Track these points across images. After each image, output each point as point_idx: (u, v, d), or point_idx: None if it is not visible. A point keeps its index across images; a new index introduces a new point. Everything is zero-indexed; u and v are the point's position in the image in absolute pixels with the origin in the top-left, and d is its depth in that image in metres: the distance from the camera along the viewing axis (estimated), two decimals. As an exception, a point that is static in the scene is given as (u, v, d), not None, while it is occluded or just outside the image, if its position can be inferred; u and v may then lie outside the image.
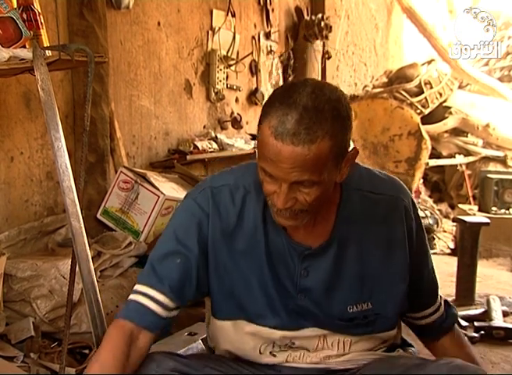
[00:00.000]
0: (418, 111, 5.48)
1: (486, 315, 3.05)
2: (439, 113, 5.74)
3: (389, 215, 1.32)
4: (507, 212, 4.64)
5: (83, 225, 1.69)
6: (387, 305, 1.32)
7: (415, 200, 1.42)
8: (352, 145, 1.21)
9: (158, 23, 3.35)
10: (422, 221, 1.42)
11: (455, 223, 4.38)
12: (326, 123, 1.11)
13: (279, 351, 1.33)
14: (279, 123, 1.11)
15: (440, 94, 5.68)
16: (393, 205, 1.33)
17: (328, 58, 5.08)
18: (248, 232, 1.30)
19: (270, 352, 1.33)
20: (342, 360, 1.34)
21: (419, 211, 1.42)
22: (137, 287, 1.29)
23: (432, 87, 5.59)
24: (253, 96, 4.31)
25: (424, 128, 5.35)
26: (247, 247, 1.30)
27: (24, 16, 1.84)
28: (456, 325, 1.48)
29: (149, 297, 1.26)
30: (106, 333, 1.25)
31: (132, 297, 1.29)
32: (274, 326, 1.30)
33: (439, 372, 1.19)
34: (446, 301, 1.48)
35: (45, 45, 1.87)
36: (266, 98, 4.24)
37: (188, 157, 3.37)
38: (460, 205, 5.21)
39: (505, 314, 3.10)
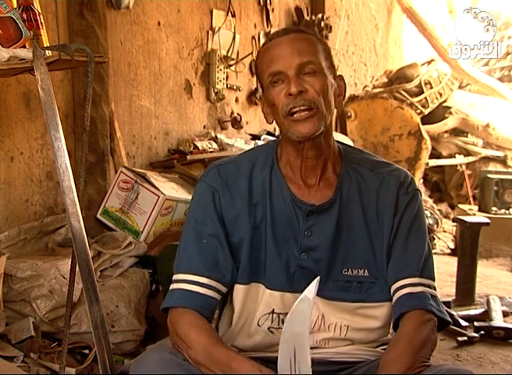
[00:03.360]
0: (418, 111, 5.48)
1: (486, 315, 3.05)
2: (439, 113, 5.73)
3: (382, 188, 1.39)
4: (507, 212, 4.64)
5: (83, 225, 1.69)
6: (381, 274, 1.36)
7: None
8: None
9: (158, 23, 3.35)
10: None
11: (455, 223, 4.38)
12: (313, 33, 1.39)
13: (277, 328, 1.35)
14: (272, 36, 1.37)
15: (440, 94, 5.67)
16: (387, 179, 1.40)
17: (329, 58, 5.07)
18: (257, 197, 1.38)
19: (268, 328, 1.36)
20: (341, 351, 1.35)
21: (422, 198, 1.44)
22: (176, 276, 1.36)
23: (431, 87, 5.59)
24: (253, 96, 4.30)
25: (424, 128, 5.36)
26: (256, 210, 1.37)
27: (24, 16, 1.83)
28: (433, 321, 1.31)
29: (192, 282, 1.33)
30: (179, 324, 1.28)
31: (175, 286, 1.35)
32: (273, 287, 1.36)
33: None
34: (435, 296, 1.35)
35: (45, 45, 1.86)
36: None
37: (188, 157, 3.37)
38: (460, 205, 5.21)
39: (505, 314, 3.10)
